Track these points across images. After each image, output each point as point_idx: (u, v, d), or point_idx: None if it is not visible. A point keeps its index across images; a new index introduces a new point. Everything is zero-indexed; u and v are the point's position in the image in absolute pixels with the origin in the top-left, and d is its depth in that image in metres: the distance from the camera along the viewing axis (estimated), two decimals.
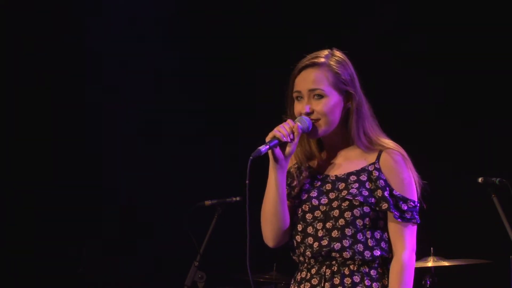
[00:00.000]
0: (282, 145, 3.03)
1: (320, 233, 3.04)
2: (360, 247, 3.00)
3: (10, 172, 6.30)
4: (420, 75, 5.97)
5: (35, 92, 6.29)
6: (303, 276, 3.09)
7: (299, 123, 3.04)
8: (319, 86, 3.05)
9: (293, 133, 3.02)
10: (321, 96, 3.04)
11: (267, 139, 3.02)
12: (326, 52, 3.10)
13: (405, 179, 3.03)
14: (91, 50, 6.41)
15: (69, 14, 6.36)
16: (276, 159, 3.04)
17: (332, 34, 5.23)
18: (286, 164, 3.06)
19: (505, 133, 5.80)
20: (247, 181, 2.97)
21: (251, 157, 2.95)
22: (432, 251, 5.15)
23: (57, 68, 6.33)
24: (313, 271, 3.06)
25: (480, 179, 4.62)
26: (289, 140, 3.02)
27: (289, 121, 3.04)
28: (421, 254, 5.04)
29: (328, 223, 3.03)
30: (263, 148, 2.99)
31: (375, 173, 3.03)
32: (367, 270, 3.02)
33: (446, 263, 5.13)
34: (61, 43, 6.33)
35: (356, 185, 3.03)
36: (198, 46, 6.57)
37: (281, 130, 3.02)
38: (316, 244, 3.04)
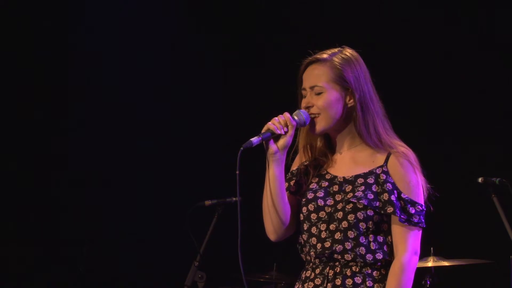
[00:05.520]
0: (276, 137, 3.04)
1: (323, 235, 3.04)
2: (362, 250, 3.00)
3: (10, 172, 6.31)
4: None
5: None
6: (308, 275, 3.10)
7: (294, 116, 3.05)
8: (318, 83, 3.07)
9: (287, 125, 3.03)
10: (320, 92, 3.06)
11: (262, 131, 3.03)
12: (335, 49, 3.12)
13: (412, 182, 3.03)
14: (88, 44, 6.44)
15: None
16: (270, 152, 3.04)
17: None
18: (283, 157, 3.06)
19: (505, 133, 5.80)
20: (237, 172, 2.98)
21: (241, 148, 2.97)
22: (432, 251, 5.15)
23: (48, 63, 6.35)
24: (317, 271, 3.07)
25: (480, 179, 4.62)
26: (282, 132, 3.04)
27: (285, 113, 3.06)
28: (421, 254, 5.03)
29: (332, 224, 3.03)
30: (255, 139, 3.01)
31: (383, 176, 3.03)
32: (369, 271, 3.02)
33: (446, 263, 5.12)
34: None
35: (362, 188, 3.03)
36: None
37: (275, 122, 3.03)
38: (319, 245, 3.05)
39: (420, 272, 5.10)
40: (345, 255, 3.01)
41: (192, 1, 6.65)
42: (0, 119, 6.28)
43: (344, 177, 3.09)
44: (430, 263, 5.12)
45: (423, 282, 5.18)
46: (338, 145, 3.14)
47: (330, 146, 3.16)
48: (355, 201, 3.00)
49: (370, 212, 3.00)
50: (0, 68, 6.25)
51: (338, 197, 3.05)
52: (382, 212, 3.00)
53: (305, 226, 3.09)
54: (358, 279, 3.02)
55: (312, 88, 3.08)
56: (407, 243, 3.01)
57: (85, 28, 6.44)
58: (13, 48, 6.26)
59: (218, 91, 6.56)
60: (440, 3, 5.98)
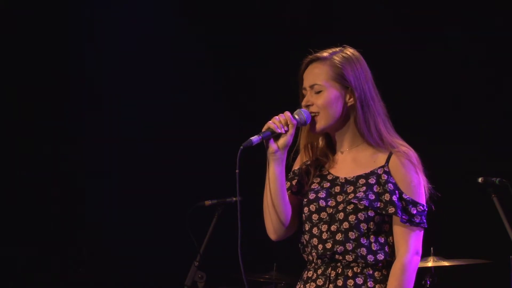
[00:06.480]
0: (277, 136, 3.04)
1: (324, 236, 3.04)
2: (363, 251, 3.00)
3: (10, 171, 6.31)
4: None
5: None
6: (310, 275, 3.10)
7: (295, 115, 3.05)
8: (317, 81, 3.06)
9: (287, 124, 3.02)
10: (320, 91, 3.06)
11: (263, 130, 3.03)
12: (336, 48, 3.12)
13: (413, 182, 3.03)
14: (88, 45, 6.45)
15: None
16: (270, 151, 3.04)
17: None
18: (283, 157, 3.06)
19: (505, 133, 5.80)
20: (237, 171, 2.98)
21: (241, 147, 2.96)
22: (432, 251, 5.15)
23: (48, 65, 6.35)
24: (319, 271, 3.07)
25: (480, 179, 4.61)
26: (283, 131, 3.03)
27: (285, 112, 3.05)
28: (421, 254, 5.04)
29: (333, 225, 3.03)
30: (255, 138, 3.00)
31: (384, 177, 3.02)
32: (371, 272, 3.02)
33: (446, 263, 5.12)
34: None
35: (364, 188, 3.02)
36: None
37: (275, 121, 3.03)
38: (320, 246, 3.05)
39: (420, 272, 5.08)
40: (346, 256, 3.01)
41: (192, 1, 6.65)
42: (0, 119, 6.28)
43: (345, 178, 3.08)
44: (430, 263, 5.12)
45: (423, 282, 5.18)
46: (339, 144, 3.13)
47: (331, 146, 3.16)
48: (356, 202, 3.00)
49: (371, 213, 3.00)
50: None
51: (340, 198, 3.05)
52: (383, 212, 2.99)
53: (307, 227, 3.09)
54: (359, 280, 3.01)
55: (312, 86, 3.08)
56: (408, 243, 3.00)
57: (84, 29, 6.44)
58: (11, 47, 6.27)
59: (218, 90, 6.56)
60: (440, 3, 5.98)
